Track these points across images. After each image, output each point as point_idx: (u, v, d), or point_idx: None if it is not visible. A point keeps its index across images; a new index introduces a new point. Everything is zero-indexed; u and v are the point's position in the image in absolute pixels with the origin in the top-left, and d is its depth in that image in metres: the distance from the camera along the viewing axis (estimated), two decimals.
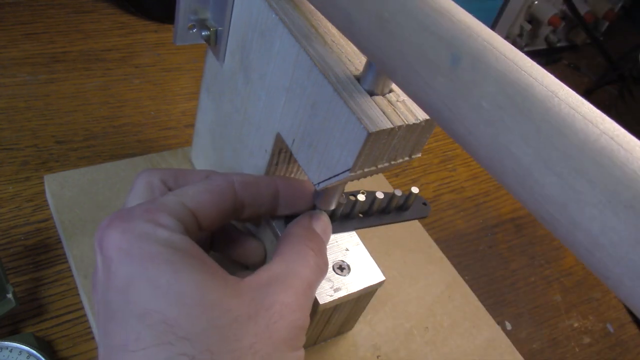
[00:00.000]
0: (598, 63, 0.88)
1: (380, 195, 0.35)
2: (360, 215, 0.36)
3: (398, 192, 0.35)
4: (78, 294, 0.37)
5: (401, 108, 0.26)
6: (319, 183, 0.28)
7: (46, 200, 0.42)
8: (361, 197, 0.34)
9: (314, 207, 0.32)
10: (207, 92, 0.39)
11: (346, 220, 0.35)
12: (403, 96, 0.26)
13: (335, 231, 0.35)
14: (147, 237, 0.24)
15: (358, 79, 0.26)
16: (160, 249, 0.24)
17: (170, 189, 0.30)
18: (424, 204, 0.38)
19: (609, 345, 0.50)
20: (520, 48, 0.76)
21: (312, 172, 0.28)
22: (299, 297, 0.26)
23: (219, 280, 0.25)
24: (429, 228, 0.52)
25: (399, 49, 0.20)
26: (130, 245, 0.24)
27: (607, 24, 0.85)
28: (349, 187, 0.34)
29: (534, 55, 0.78)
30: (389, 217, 0.37)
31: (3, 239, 0.39)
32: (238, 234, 0.34)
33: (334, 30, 0.29)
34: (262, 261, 0.35)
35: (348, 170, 0.25)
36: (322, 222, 0.32)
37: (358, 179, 0.27)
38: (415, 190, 0.36)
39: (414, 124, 0.25)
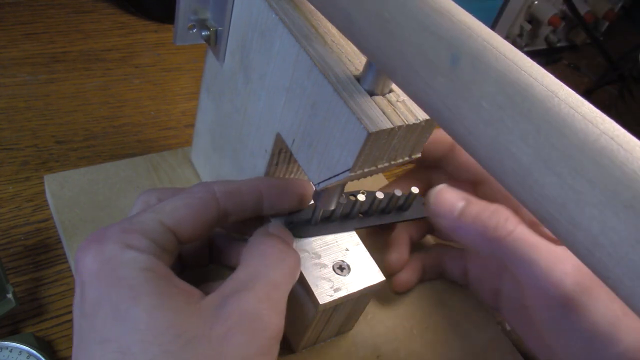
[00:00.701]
0: (598, 63, 0.88)
1: (380, 195, 0.35)
2: (360, 215, 0.36)
3: (398, 192, 0.35)
4: None
5: (401, 108, 0.26)
6: (319, 183, 0.28)
7: (46, 200, 0.42)
8: (361, 197, 0.34)
9: (301, 205, 0.32)
10: (207, 92, 0.39)
11: (346, 220, 0.35)
12: (403, 96, 0.26)
13: (335, 231, 0.35)
14: (114, 260, 0.24)
15: (358, 79, 0.26)
16: (125, 273, 0.24)
17: None
18: (424, 204, 0.38)
19: None
20: (520, 48, 0.76)
21: (312, 172, 0.28)
22: (261, 302, 0.25)
23: (179, 301, 0.24)
24: None
25: (399, 49, 0.20)
26: (99, 269, 0.24)
27: (607, 24, 0.85)
28: (349, 187, 0.34)
29: (534, 55, 0.78)
30: (389, 217, 0.37)
31: (3, 239, 0.39)
32: (236, 244, 0.34)
33: (334, 30, 0.29)
34: None
35: (348, 170, 0.25)
36: (278, 228, 0.31)
37: (358, 179, 0.27)
38: (415, 190, 0.36)
39: (414, 124, 0.25)
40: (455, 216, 0.32)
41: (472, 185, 0.39)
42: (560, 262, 0.30)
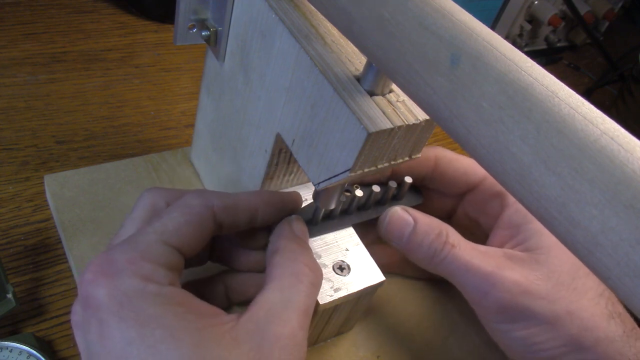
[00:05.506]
0: (598, 63, 0.88)
1: (376, 188, 0.35)
2: (357, 209, 0.36)
3: (393, 184, 0.36)
4: None
5: (401, 108, 0.26)
6: (318, 183, 0.28)
7: (46, 200, 0.42)
8: (359, 193, 0.34)
9: (291, 214, 0.32)
10: (207, 92, 0.39)
11: (344, 216, 0.35)
12: (403, 96, 0.26)
13: (334, 228, 0.35)
14: (137, 296, 0.23)
15: (358, 79, 0.26)
16: (154, 312, 0.23)
17: None
18: (417, 191, 0.39)
19: None
20: (520, 48, 0.76)
21: (312, 172, 0.28)
22: (297, 330, 0.26)
23: (217, 331, 0.24)
24: None
25: (399, 49, 0.20)
26: (121, 308, 0.23)
27: (607, 24, 0.85)
28: None
29: (534, 55, 0.78)
30: (384, 209, 0.37)
31: (3, 239, 0.39)
32: (237, 248, 0.33)
33: (334, 30, 0.29)
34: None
35: (348, 170, 0.25)
36: (300, 225, 0.31)
37: (358, 179, 0.27)
38: (408, 179, 0.36)
39: (414, 124, 0.25)
40: (404, 242, 0.34)
41: (459, 197, 0.40)
42: (485, 293, 0.33)
